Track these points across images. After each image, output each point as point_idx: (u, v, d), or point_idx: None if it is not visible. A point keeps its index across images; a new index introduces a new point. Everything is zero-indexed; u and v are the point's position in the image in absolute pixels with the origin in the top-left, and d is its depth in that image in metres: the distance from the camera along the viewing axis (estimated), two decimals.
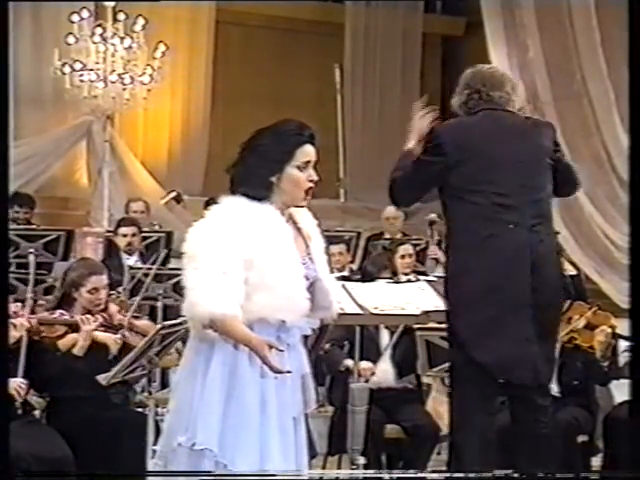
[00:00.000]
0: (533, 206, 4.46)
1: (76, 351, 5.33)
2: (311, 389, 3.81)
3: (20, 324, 5.15)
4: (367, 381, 6.31)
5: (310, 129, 3.74)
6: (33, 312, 5.65)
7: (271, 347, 3.52)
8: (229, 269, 3.55)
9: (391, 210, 9.27)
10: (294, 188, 3.69)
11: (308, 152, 3.71)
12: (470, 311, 4.37)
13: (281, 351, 3.55)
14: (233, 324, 3.54)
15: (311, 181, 3.70)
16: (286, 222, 3.72)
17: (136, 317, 5.78)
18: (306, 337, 3.81)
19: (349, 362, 6.22)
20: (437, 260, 8.66)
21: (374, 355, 6.42)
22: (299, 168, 3.68)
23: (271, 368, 3.53)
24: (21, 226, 8.88)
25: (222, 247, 3.56)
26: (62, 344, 5.36)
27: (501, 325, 4.36)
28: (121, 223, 8.77)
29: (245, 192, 3.66)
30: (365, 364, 6.29)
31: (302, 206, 3.77)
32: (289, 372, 3.59)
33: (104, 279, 5.56)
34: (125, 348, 5.40)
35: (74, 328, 5.39)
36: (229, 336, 3.57)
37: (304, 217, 3.82)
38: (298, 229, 3.78)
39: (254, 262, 3.58)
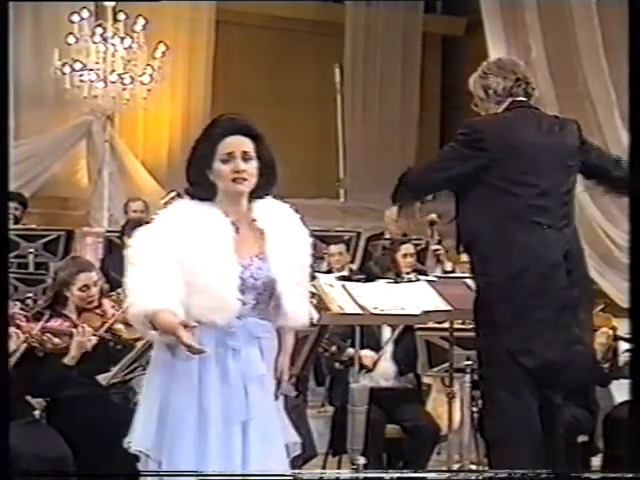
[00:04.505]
0: (563, 208, 4.50)
1: (67, 361, 5.27)
2: (257, 395, 3.65)
3: (19, 336, 5.10)
4: (369, 371, 6.32)
5: (236, 120, 3.72)
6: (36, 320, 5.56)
7: (185, 326, 3.44)
8: (162, 267, 3.54)
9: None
10: (221, 182, 3.68)
11: (229, 144, 3.67)
12: (515, 316, 4.32)
13: (194, 327, 3.45)
14: (163, 317, 3.48)
15: (237, 172, 3.65)
16: (235, 220, 3.67)
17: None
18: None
19: (351, 351, 6.17)
20: (438, 258, 8.64)
21: (375, 352, 6.46)
22: (223, 161, 3.66)
23: (189, 348, 3.44)
24: (19, 225, 8.87)
25: (155, 247, 3.58)
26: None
27: (546, 329, 4.35)
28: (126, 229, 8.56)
29: (191, 193, 3.71)
30: (367, 352, 6.33)
31: (238, 193, 3.68)
32: (204, 352, 3.47)
33: (94, 276, 5.53)
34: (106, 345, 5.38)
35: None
36: (161, 330, 3.51)
37: (271, 213, 3.75)
38: (252, 227, 3.72)
39: (184, 262, 3.57)
